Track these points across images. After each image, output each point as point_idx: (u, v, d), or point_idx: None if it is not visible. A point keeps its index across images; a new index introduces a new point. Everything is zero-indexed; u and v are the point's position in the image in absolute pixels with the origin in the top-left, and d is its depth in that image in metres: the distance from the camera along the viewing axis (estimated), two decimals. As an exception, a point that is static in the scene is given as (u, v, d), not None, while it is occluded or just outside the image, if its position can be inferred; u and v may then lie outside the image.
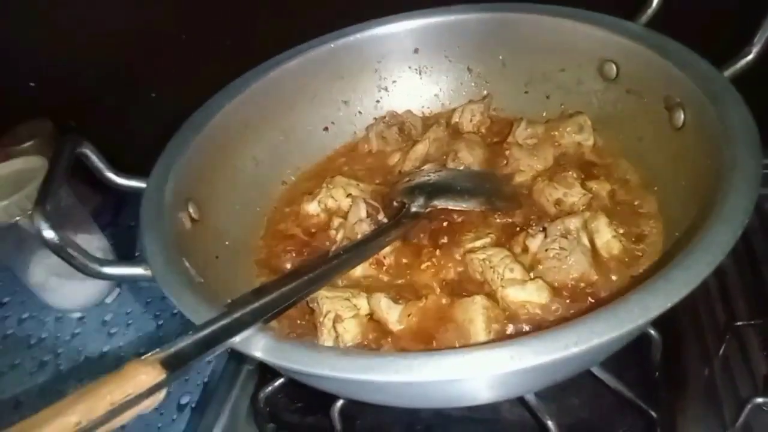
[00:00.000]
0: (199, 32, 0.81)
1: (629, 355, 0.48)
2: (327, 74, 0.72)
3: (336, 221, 0.61)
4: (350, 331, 0.51)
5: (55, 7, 0.74)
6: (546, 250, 0.53)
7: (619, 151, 0.63)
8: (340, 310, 0.51)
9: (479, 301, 0.49)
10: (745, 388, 0.56)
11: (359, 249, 0.54)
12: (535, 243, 0.54)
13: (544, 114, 0.70)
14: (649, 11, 0.61)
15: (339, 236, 0.59)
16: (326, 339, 0.51)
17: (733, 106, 0.48)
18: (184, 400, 0.69)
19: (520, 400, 0.56)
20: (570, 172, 0.59)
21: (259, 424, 0.64)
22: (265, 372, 0.67)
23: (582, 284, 0.51)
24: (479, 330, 0.48)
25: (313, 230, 0.63)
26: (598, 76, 0.64)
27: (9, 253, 0.75)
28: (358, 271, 0.56)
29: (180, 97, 0.63)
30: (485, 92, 0.74)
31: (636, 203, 0.58)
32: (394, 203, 0.61)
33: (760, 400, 0.53)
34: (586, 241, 0.53)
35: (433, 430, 0.59)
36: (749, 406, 0.53)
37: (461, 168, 0.65)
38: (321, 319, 0.51)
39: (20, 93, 0.77)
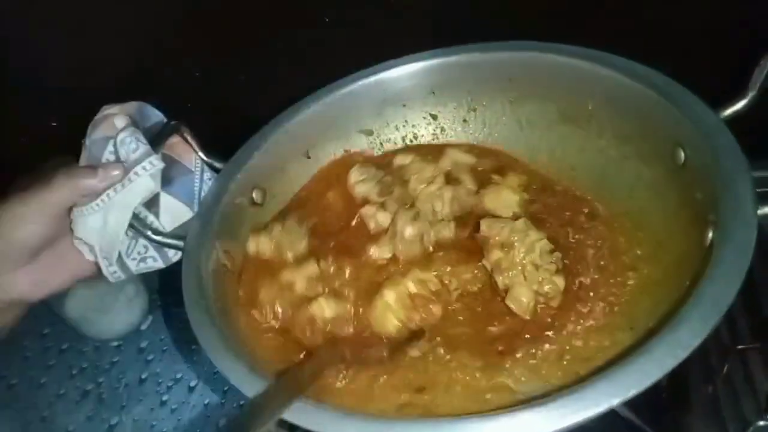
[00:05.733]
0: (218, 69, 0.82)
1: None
2: (421, 89, 0.76)
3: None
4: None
5: (75, 46, 0.78)
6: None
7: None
8: None
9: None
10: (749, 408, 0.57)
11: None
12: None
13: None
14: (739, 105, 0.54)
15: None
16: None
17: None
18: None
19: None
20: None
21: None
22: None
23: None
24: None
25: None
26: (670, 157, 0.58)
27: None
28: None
29: (206, 133, 0.68)
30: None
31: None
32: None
33: (762, 423, 0.55)
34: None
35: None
36: (751, 429, 0.55)
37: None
38: None
39: (44, 131, 0.82)
